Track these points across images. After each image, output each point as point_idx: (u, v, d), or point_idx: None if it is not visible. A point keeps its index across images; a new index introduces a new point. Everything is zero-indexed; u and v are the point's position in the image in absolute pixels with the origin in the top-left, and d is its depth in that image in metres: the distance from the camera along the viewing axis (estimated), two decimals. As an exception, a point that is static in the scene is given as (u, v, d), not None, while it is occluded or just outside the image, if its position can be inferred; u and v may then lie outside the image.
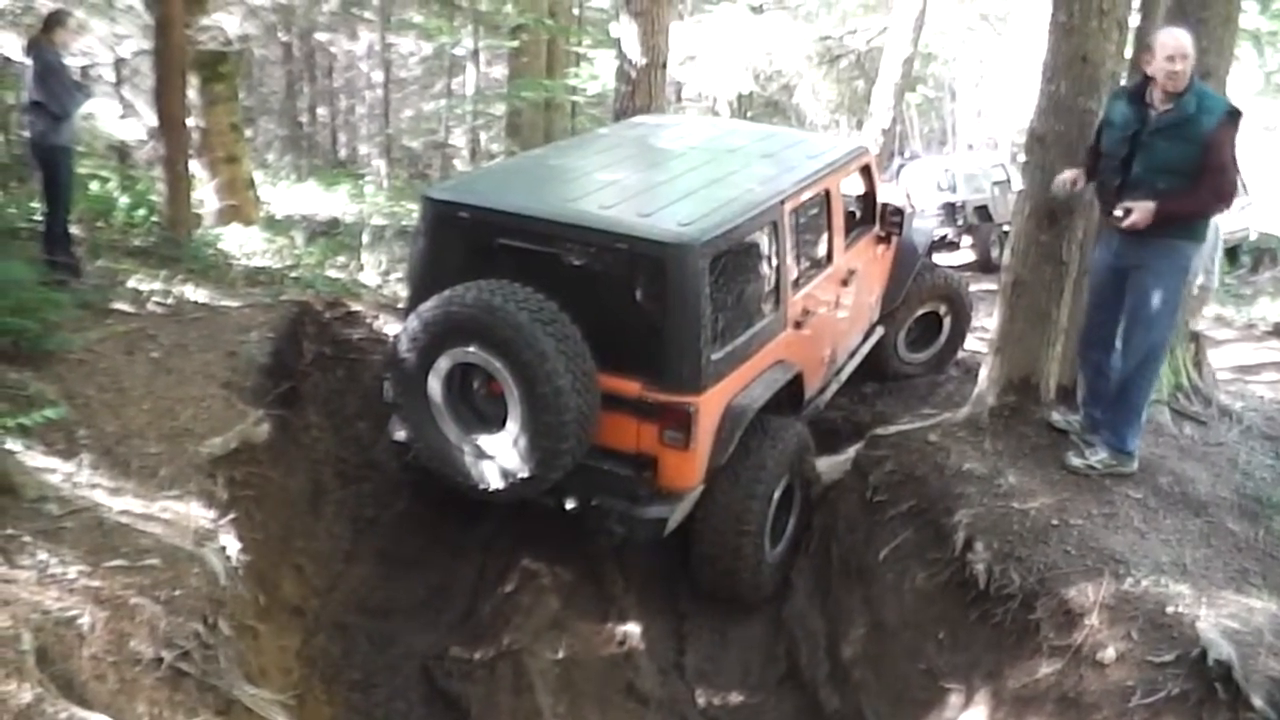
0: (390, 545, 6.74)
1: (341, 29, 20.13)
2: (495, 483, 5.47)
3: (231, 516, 4.98)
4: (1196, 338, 7.21)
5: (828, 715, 5.63)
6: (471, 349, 5.25)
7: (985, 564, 5.25)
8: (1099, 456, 5.80)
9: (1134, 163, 5.43)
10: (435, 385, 5.43)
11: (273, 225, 10.90)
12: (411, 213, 15.20)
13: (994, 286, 8.06)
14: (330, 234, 12.29)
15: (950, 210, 17.37)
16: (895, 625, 5.66)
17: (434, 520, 6.86)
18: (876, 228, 7.81)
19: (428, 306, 5.36)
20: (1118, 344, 5.81)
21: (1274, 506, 5.85)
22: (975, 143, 30.88)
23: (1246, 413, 7.28)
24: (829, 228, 6.99)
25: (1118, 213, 5.44)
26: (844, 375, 7.74)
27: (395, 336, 5.67)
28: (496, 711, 5.47)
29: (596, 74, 16.07)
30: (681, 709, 5.70)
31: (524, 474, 5.36)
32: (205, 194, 10.49)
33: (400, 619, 6.19)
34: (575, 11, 17.87)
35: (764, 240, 6.09)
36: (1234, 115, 5.34)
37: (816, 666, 5.88)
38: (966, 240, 17.94)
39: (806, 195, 6.58)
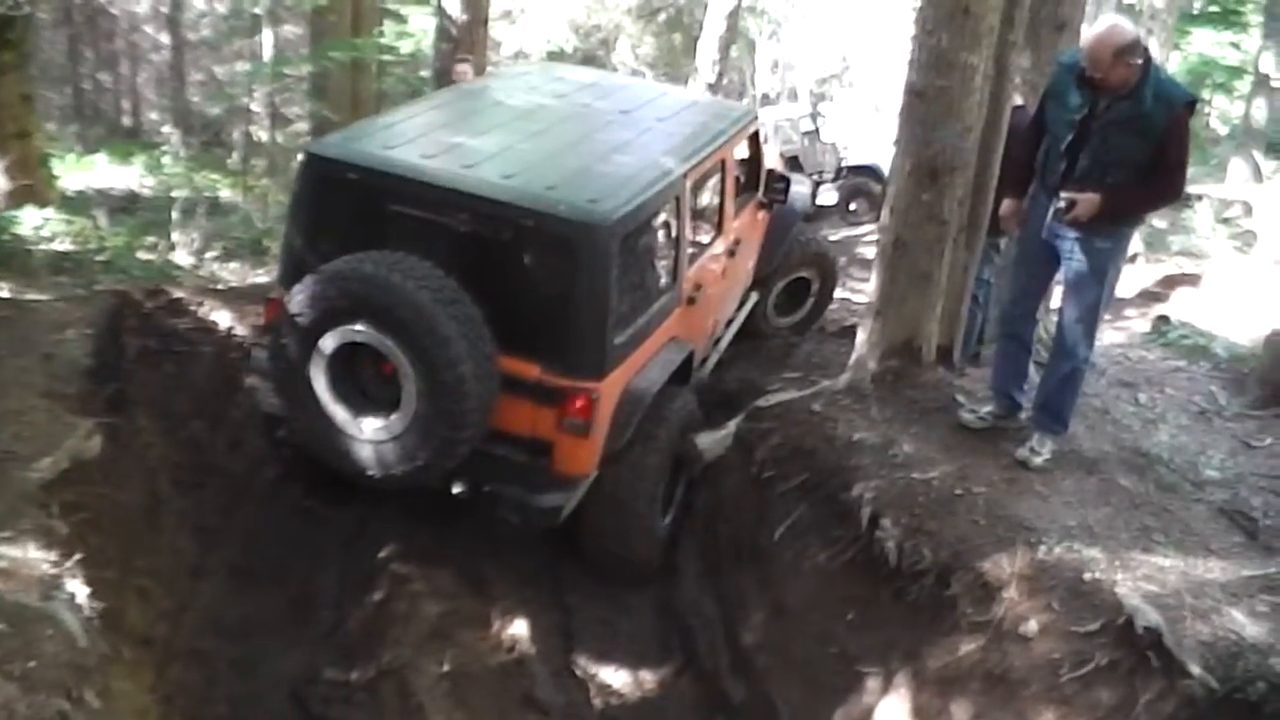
0: (240, 556, 6.12)
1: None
2: (384, 470, 5.05)
3: (78, 557, 4.35)
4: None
5: (735, 706, 5.37)
6: (359, 327, 4.78)
7: (895, 540, 5.06)
8: (1048, 447, 5.61)
9: (1081, 153, 5.16)
10: (319, 364, 4.94)
11: (69, 205, 9.95)
12: (216, 184, 14.33)
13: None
14: (131, 210, 11.36)
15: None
16: (798, 608, 5.43)
17: (286, 524, 6.32)
18: (760, 194, 7.58)
19: (315, 278, 4.85)
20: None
21: (1154, 459, 5.85)
22: (772, 94, 31.14)
23: (1097, 359, 7.34)
24: (722, 198, 6.72)
25: (1060, 204, 5.20)
26: (723, 345, 7.49)
27: (281, 305, 5.09)
28: (385, 738, 5.01)
29: (410, 32, 15.36)
30: (581, 713, 5.35)
31: (418, 462, 4.96)
32: (-7, 174, 9.49)
33: (261, 639, 5.61)
34: (381, -35, 17.03)
35: (667, 215, 5.78)
36: (1191, 106, 5.12)
37: (717, 655, 5.62)
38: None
39: (706, 166, 6.29)
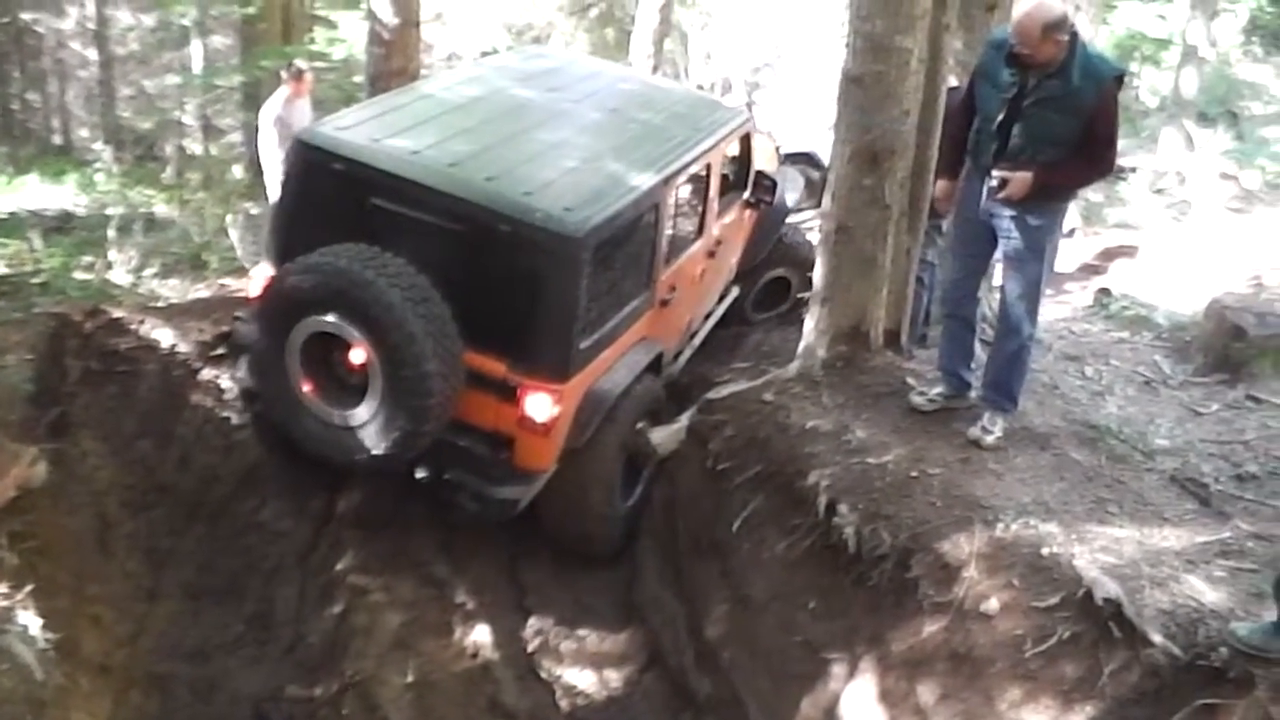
0: (195, 576, 6.05)
1: (49, 6, 18.46)
2: (348, 455, 5.21)
3: (29, 588, 4.25)
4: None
5: (701, 701, 5.37)
6: (331, 318, 4.92)
7: (854, 526, 5.05)
8: (999, 425, 5.61)
9: (1013, 132, 5.18)
10: (293, 349, 5.09)
11: (2, 227, 9.75)
12: (151, 199, 14.05)
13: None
14: (66, 230, 11.15)
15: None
16: (760, 599, 5.41)
17: (240, 541, 6.23)
18: (747, 193, 7.56)
19: (294, 268, 5.02)
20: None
21: (1104, 431, 5.90)
22: (707, 85, 31.04)
23: (1042, 334, 7.39)
24: (704, 201, 6.76)
25: (993, 182, 5.24)
26: (699, 340, 7.52)
27: (266, 284, 5.25)
28: (351, 753, 4.96)
29: (341, 38, 15.16)
30: (547, 716, 5.32)
31: (379, 451, 5.10)
32: (-76, 199, 9.29)
33: (220, 659, 5.58)
34: (308, -29, 16.75)
35: (645, 223, 5.83)
36: (1119, 80, 5.15)
37: (681, 651, 5.61)
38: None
39: (690, 171, 6.34)
